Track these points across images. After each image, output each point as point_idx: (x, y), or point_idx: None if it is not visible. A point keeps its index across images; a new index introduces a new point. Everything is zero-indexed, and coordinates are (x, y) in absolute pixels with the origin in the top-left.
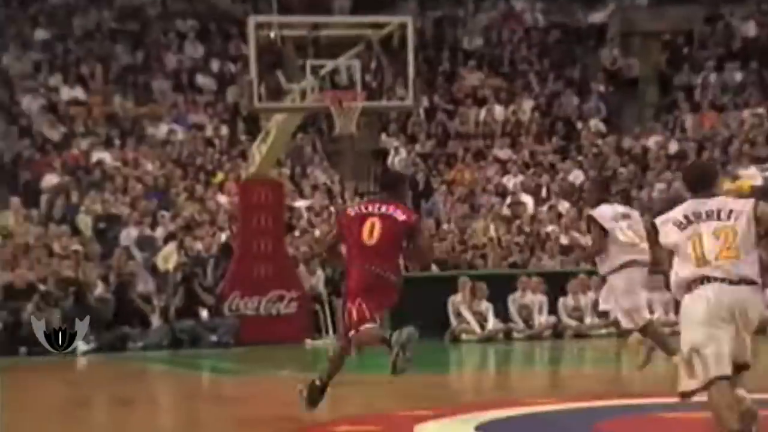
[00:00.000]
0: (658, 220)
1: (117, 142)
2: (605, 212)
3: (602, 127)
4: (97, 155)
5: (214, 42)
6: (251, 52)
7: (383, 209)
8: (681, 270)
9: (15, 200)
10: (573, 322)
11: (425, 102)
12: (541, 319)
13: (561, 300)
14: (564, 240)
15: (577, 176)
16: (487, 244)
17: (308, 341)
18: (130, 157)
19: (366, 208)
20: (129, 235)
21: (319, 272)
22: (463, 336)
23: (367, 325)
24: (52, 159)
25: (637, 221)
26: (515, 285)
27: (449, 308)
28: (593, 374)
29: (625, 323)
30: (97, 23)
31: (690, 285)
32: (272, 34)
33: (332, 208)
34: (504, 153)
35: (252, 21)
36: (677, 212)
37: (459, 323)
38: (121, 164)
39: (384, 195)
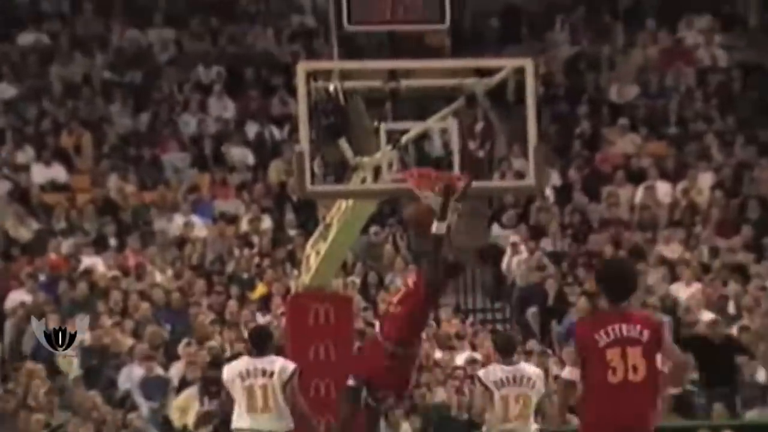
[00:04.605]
0: None
1: (113, 242)
2: None
3: None
4: (85, 261)
5: (251, 97)
6: (302, 111)
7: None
8: None
9: None
10: None
11: (555, 179)
12: None
13: None
14: (761, 376)
15: None
16: None
17: None
18: (131, 263)
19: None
20: (131, 375)
21: (406, 426)
22: None
23: None
24: (20, 268)
25: None
26: None
27: None
28: None
29: None
30: (85, 74)
31: None
32: (332, 86)
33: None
34: (672, 250)
35: (303, 68)
36: None
37: None
38: (119, 274)
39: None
